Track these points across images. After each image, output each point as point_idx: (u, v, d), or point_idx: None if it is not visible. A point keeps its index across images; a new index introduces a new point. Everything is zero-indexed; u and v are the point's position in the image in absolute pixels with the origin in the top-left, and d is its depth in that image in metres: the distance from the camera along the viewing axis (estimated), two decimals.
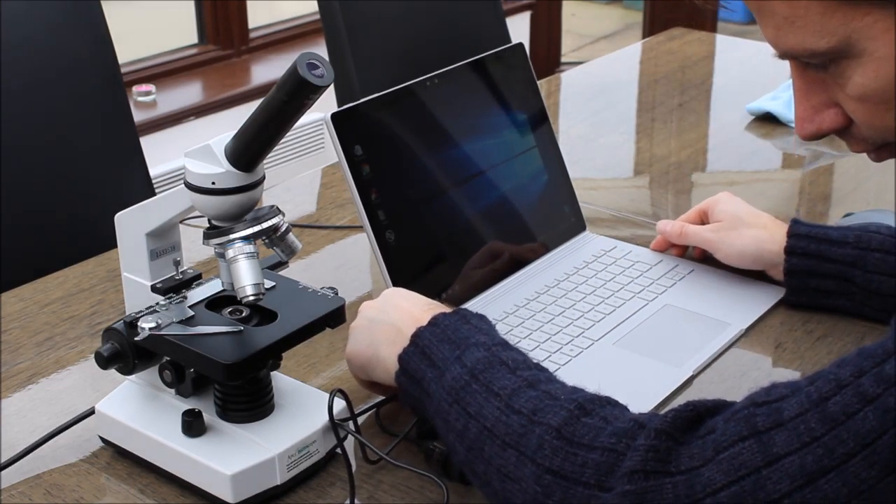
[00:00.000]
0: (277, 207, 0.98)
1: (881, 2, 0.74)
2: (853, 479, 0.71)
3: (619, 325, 1.24)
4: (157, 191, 1.85)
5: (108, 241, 1.21)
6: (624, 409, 0.86)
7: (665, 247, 1.41)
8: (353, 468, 1.01)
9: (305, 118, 3.24)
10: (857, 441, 0.71)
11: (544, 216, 1.39)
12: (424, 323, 0.97)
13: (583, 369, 1.16)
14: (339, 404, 1.03)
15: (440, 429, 0.92)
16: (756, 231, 1.30)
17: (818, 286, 1.25)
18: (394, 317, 1.01)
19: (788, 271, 1.26)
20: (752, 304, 1.28)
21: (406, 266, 1.21)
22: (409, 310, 1.01)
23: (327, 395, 1.05)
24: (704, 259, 1.38)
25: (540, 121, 1.42)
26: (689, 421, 0.80)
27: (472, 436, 0.88)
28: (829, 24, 0.76)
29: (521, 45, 1.42)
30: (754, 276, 1.33)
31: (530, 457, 0.83)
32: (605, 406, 0.85)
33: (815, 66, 0.81)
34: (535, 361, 0.93)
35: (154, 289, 1.02)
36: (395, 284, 1.18)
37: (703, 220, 1.38)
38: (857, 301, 1.23)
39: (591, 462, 0.80)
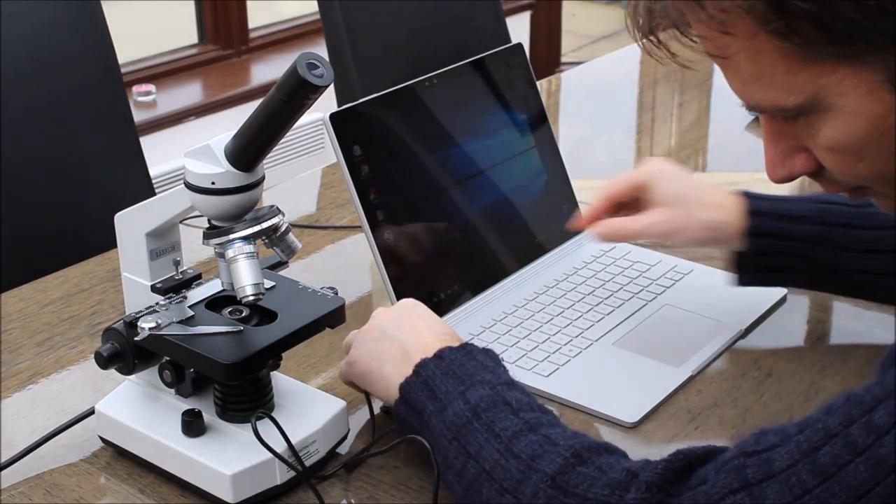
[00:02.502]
0: (277, 207, 0.98)
1: (848, 59, 0.73)
2: None
3: (619, 326, 1.24)
4: (157, 191, 1.85)
5: (108, 241, 1.21)
6: (620, 456, 0.86)
7: (595, 220, 1.24)
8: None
9: (305, 118, 3.24)
10: (849, 493, 0.71)
11: (543, 216, 1.39)
12: (431, 354, 0.96)
13: (582, 370, 1.16)
14: (339, 404, 1.03)
15: (440, 464, 0.92)
16: (712, 214, 1.18)
17: (775, 264, 1.19)
18: (406, 337, 1.00)
19: (748, 253, 1.18)
20: (752, 303, 1.28)
21: (405, 267, 1.21)
22: (423, 334, 1.00)
23: (327, 395, 1.05)
24: (697, 256, 1.36)
25: (539, 121, 1.42)
26: (679, 471, 0.80)
27: (470, 476, 0.88)
28: (795, 81, 0.75)
29: (519, 45, 1.42)
30: None
31: None
32: (602, 454, 0.85)
33: (784, 117, 0.80)
34: (538, 403, 0.93)
35: (154, 289, 1.02)
36: (394, 285, 1.18)
37: (638, 195, 1.22)
38: (816, 276, 1.19)
39: None
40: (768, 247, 1.18)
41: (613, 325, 1.24)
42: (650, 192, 1.21)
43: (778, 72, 0.75)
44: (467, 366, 0.95)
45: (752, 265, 1.20)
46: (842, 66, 0.73)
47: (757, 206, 1.18)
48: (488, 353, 0.98)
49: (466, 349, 0.97)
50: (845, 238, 1.16)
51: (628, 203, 1.24)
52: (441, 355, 0.96)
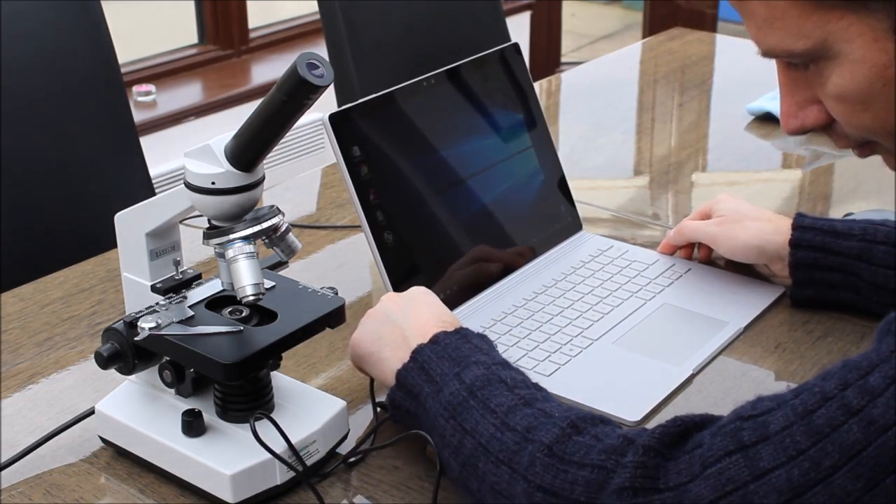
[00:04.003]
0: (277, 207, 0.98)
1: (854, 5, 0.76)
2: (839, 491, 0.72)
3: (618, 325, 1.24)
4: (157, 191, 1.85)
5: (108, 241, 1.21)
6: (616, 426, 0.86)
7: (670, 251, 1.39)
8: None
9: (305, 118, 3.24)
10: (842, 453, 0.72)
11: (541, 216, 1.40)
12: (427, 339, 0.98)
13: (582, 369, 1.16)
14: (339, 404, 1.03)
15: (436, 444, 0.93)
16: (760, 224, 1.29)
17: (823, 279, 1.24)
18: (408, 322, 1.02)
19: (794, 264, 1.24)
20: (751, 302, 1.28)
21: (404, 267, 1.21)
22: (424, 321, 1.01)
23: (327, 396, 1.05)
24: (709, 261, 1.37)
25: (536, 120, 1.42)
26: (676, 436, 0.81)
27: (467, 451, 0.89)
28: (805, 26, 0.78)
29: (516, 44, 1.42)
30: (752, 274, 1.33)
31: (522, 474, 0.84)
32: (598, 425, 0.86)
33: (796, 65, 0.83)
34: (533, 381, 0.94)
35: (154, 289, 1.02)
36: (394, 286, 1.18)
37: (704, 220, 1.36)
38: (863, 295, 1.22)
39: (580, 479, 0.81)
40: (811, 260, 1.23)
41: (613, 325, 1.24)
42: (713, 213, 1.35)
43: (789, 16, 0.79)
44: (462, 348, 0.96)
45: (802, 278, 1.25)
46: (848, 12, 0.76)
47: (803, 221, 1.25)
48: (482, 337, 1.00)
49: (461, 333, 0.99)
50: (888, 257, 1.19)
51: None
52: (437, 340, 0.97)
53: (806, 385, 0.76)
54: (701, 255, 1.38)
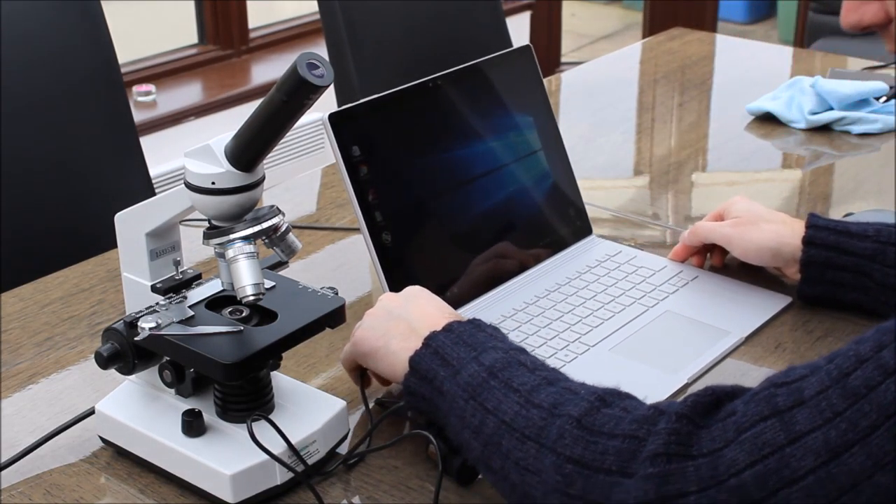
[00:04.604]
0: (277, 207, 0.98)
1: None
2: (877, 450, 0.71)
3: (618, 331, 1.23)
4: (157, 191, 1.85)
5: (108, 241, 1.21)
6: (643, 401, 0.86)
7: (683, 256, 1.38)
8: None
9: (305, 118, 3.25)
10: (879, 413, 0.71)
11: (548, 219, 1.39)
12: (440, 328, 0.97)
13: (576, 374, 1.14)
14: (339, 404, 1.03)
15: (454, 426, 0.92)
16: (775, 226, 1.29)
17: (834, 278, 1.24)
18: (413, 314, 1.02)
19: (806, 261, 1.24)
20: (755, 311, 1.27)
21: (402, 268, 1.21)
22: (430, 313, 1.01)
23: (327, 396, 1.05)
24: (722, 267, 1.36)
25: (547, 123, 1.41)
26: (708, 405, 0.80)
27: (489, 430, 0.87)
28: None
29: (528, 46, 1.42)
30: (760, 283, 1.33)
31: (550, 447, 0.83)
32: (626, 399, 0.86)
33: None
34: (552, 366, 0.93)
35: (154, 289, 1.02)
36: (392, 287, 1.18)
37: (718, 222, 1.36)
38: (872, 295, 1.22)
39: (612, 449, 0.80)
40: (824, 258, 1.23)
41: (612, 331, 1.23)
42: (728, 214, 1.35)
43: None
44: (477, 336, 0.96)
45: (813, 276, 1.25)
46: None
47: (817, 220, 1.26)
48: (495, 328, 0.99)
49: (474, 323, 0.98)
50: None
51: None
52: (450, 328, 0.97)
53: (839, 351, 0.76)
54: (714, 262, 1.37)
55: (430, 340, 0.96)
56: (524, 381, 0.89)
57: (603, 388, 0.87)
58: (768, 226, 1.29)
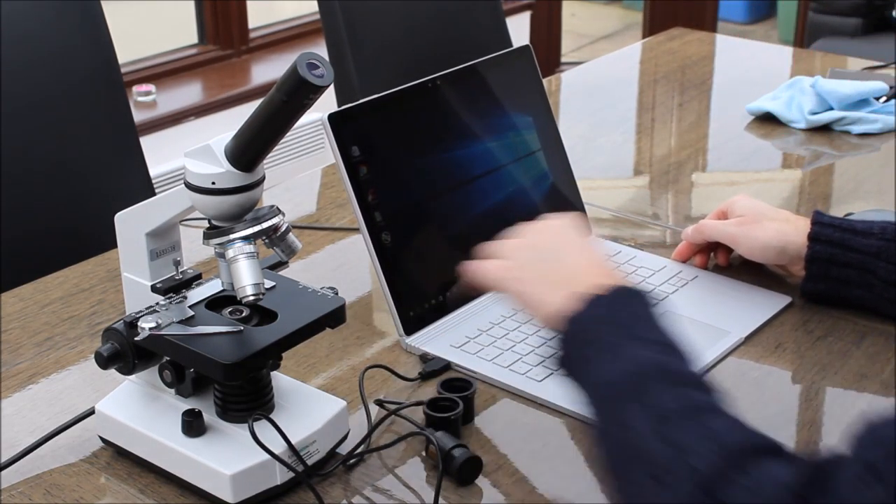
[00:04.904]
0: (277, 207, 0.98)
1: None
2: None
3: None
4: (157, 191, 1.85)
5: (108, 241, 1.21)
6: (784, 461, 0.76)
7: (686, 255, 1.37)
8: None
9: (305, 118, 3.24)
10: None
11: None
12: (602, 289, 0.90)
13: None
14: (339, 404, 1.03)
15: (588, 411, 0.86)
16: (780, 224, 1.29)
17: (838, 275, 1.24)
18: (567, 262, 0.96)
19: (810, 258, 1.24)
20: (755, 312, 1.27)
21: (402, 268, 1.21)
22: (582, 265, 0.95)
23: (327, 396, 1.05)
24: (723, 267, 1.36)
25: (546, 124, 1.41)
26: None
27: (617, 443, 0.82)
28: None
29: (527, 47, 1.42)
30: (760, 283, 1.33)
31: (670, 496, 0.76)
32: (762, 461, 0.76)
33: None
34: (702, 375, 0.86)
35: (154, 289, 1.02)
36: (391, 286, 1.18)
37: (722, 219, 1.36)
38: (876, 293, 1.22)
39: None
40: (828, 255, 1.24)
41: None
42: (731, 212, 1.34)
43: None
44: (637, 311, 0.89)
45: (817, 273, 1.25)
46: None
47: (822, 218, 1.26)
48: (649, 300, 0.91)
49: (630, 292, 0.91)
50: None
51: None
52: (603, 298, 0.90)
53: None
54: (720, 261, 1.37)
55: (590, 307, 0.89)
56: (663, 401, 0.81)
57: (742, 438, 0.78)
58: (773, 224, 1.29)
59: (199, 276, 1.04)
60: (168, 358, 1.00)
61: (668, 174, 1.73)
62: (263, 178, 0.95)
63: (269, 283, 1.03)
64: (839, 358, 1.20)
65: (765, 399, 1.13)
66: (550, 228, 1.01)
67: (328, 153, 1.21)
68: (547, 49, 4.43)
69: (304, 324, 1.00)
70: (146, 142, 1.88)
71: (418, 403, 1.06)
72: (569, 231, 1.00)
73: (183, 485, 0.99)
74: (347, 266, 1.42)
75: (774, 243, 1.28)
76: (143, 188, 1.73)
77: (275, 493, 0.97)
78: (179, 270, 1.03)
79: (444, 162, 1.28)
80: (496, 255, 1.01)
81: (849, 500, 0.70)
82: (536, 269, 0.97)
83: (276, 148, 0.96)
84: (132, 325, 0.97)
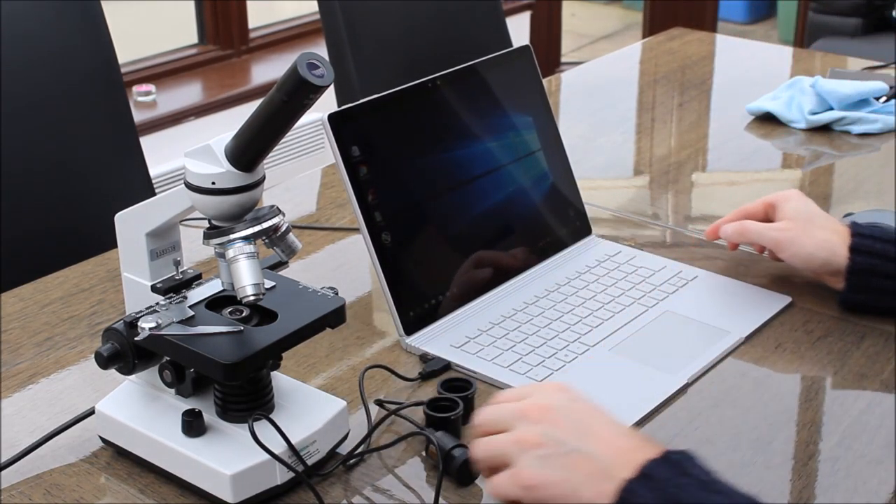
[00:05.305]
0: (277, 207, 0.98)
1: None
2: None
3: (617, 331, 1.23)
4: (157, 191, 1.85)
5: (108, 241, 1.21)
6: None
7: (730, 245, 1.37)
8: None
9: (305, 118, 3.24)
10: None
11: (548, 220, 1.39)
12: (636, 472, 0.82)
13: (575, 375, 1.15)
14: (339, 404, 1.03)
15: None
16: (827, 234, 1.26)
17: (879, 286, 1.23)
18: (594, 447, 0.85)
19: (852, 269, 1.23)
20: (755, 312, 1.27)
21: (402, 268, 1.21)
22: (611, 440, 0.86)
23: (327, 396, 1.05)
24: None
25: (546, 124, 1.41)
26: None
27: None
28: None
29: (527, 47, 1.42)
30: (759, 283, 1.33)
31: None
32: None
33: None
34: None
35: (154, 289, 1.02)
36: (391, 286, 1.18)
37: (767, 213, 1.33)
38: None
39: None
40: (870, 266, 1.23)
41: (612, 331, 1.23)
42: (778, 211, 1.31)
43: None
44: (682, 485, 0.82)
45: (858, 284, 1.24)
46: None
47: (861, 229, 1.25)
48: (694, 463, 0.84)
49: (672, 462, 0.83)
50: None
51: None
52: (648, 474, 0.82)
53: None
54: (770, 255, 1.34)
55: (629, 495, 0.81)
56: None
57: None
58: (821, 233, 1.26)
59: (199, 276, 1.04)
60: (168, 358, 1.00)
61: (668, 174, 1.73)
62: (263, 178, 0.95)
63: (269, 283, 1.03)
64: (839, 358, 1.20)
65: (765, 399, 1.13)
66: (562, 408, 0.89)
67: (328, 153, 1.21)
68: (547, 49, 4.43)
69: (304, 324, 1.00)
70: (146, 142, 1.88)
71: (418, 403, 1.06)
72: (582, 407, 0.90)
73: (183, 485, 0.99)
74: (347, 266, 1.42)
75: (821, 255, 1.26)
76: (143, 188, 1.73)
77: (275, 494, 0.97)
78: (179, 270, 1.03)
79: (444, 162, 1.28)
80: (505, 452, 0.88)
81: None
82: (563, 468, 0.85)
83: (276, 148, 0.96)
84: (132, 325, 0.97)
